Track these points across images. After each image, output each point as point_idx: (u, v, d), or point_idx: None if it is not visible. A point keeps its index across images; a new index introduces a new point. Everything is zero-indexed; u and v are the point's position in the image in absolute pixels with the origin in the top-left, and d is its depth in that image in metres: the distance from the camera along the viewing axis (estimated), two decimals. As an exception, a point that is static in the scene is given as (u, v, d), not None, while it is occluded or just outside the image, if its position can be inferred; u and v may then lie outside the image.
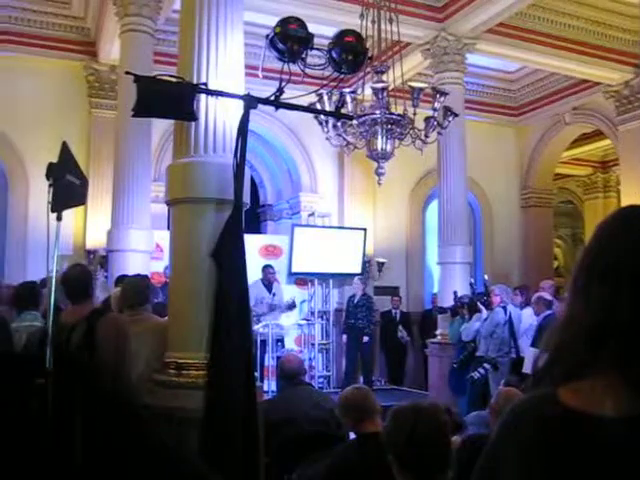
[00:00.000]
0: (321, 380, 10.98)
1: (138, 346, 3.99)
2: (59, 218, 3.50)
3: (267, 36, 3.78)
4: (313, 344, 11.08)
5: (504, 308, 7.89)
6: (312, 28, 3.87)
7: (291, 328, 10.65)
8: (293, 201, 12.49)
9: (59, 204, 3.56)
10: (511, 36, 9.93)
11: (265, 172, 13.17)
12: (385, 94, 6.21)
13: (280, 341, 10.06)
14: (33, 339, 3.79)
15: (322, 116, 6.13)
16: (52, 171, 3.56)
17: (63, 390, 3.42)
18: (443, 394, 8.61)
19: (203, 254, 3.86)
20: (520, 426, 0.97)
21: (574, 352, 0.95)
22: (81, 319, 3.67)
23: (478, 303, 8.23)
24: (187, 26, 4.38)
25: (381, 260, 11.98)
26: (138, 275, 4.98)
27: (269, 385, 8.90)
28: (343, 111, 5.68)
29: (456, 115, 6.52)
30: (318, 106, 5.78)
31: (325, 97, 5.72)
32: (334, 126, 6.28)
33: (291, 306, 10.27)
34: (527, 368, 6.68)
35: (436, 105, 6.24)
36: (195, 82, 4.11)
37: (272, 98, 3.84)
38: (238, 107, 3.94)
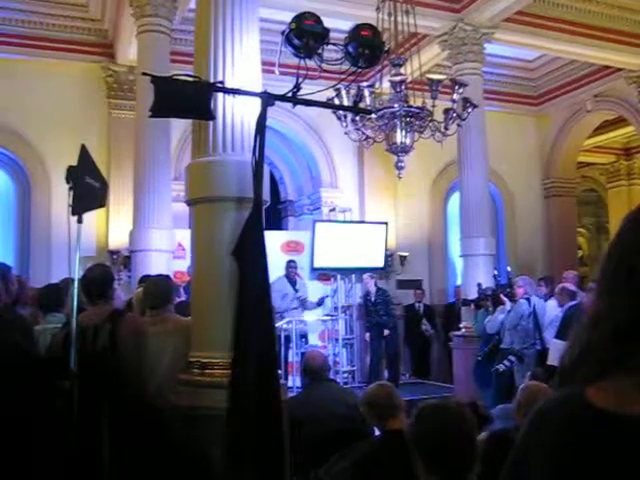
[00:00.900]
0: (345, 375, 10.95)
1: (159, 346, 4.00)
2: (79, 221, 3.53)
3: (283, 32, 3.76)
4: (337, 339, 11.05)
5: (528, 300, 7.81)
6: (328, 22, 3.85)
7: (315, 324, 10.63)
8: (314, 197, 12.49)
9: (79, 207, 3.59)
10: (529, 24, 9.80)
11: (285, 168, 13.17)
12: (403, 87, 6.19)
13: (304, 337, 10.03)
14: (56, 341, 3.81)
15: (340, 111, 6.11)
16: (71, 174, 3.59)
17: (90, 391, 3.45)
18: (468, 387, 8.57)
19: (224, 253, 3.85)
20: (547, 427, 0.95)
21: (602, 350, 0.92)
22: (104, 320, 3.68)
23: (501, 295, 8.15)
24: (203, 25, 4.37)
25: (403, 254, 11.94)
26: (160, 275, 4.98)
27: (294, 381, 8.89)
28: (361, 105, 5.65)
29: (475, 106, 6.48)
30: (336, 101, 5.76)
31: (343, 92, 5.70)
32: (353, 120, 6.26)
33: (320, 303, 10.27)
34: (551, 360, 6.61)
35: (455, 97, 6.20)
36: (212, 81, 4.10)
37: (289, 94, 3.82)
38: (255, 105, 3.93)
